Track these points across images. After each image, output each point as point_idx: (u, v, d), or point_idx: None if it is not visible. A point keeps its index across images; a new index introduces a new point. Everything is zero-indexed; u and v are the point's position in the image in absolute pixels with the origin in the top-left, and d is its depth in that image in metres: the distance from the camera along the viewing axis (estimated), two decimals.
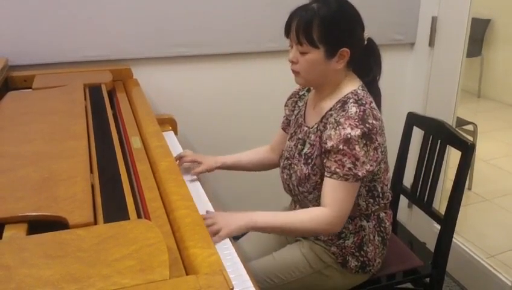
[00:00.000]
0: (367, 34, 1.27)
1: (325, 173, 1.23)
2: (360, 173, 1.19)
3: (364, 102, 1.22)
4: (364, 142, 1.17)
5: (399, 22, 2.26)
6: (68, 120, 1.31)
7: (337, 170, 1.20)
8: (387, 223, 1.41)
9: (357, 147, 1.17)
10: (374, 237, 1.37)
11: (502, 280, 1.93)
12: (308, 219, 1.23)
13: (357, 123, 1.17)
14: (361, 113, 1.19)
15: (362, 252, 1.36)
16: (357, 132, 1.17)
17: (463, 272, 2.13)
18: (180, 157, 1.49)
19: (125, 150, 1.31)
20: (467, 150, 1.45)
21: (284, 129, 1.53)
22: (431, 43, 2.21)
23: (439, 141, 1.58)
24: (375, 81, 1.32)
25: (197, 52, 2.01)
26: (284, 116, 1.52)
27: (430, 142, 1.62)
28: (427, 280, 1.57)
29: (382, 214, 1.39)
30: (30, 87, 1.63)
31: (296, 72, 1.26)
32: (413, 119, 1.72)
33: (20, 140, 1.18)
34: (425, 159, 1.64)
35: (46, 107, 1.42)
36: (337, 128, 1.19)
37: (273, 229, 1.24)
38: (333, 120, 1.22)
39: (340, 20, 1.20)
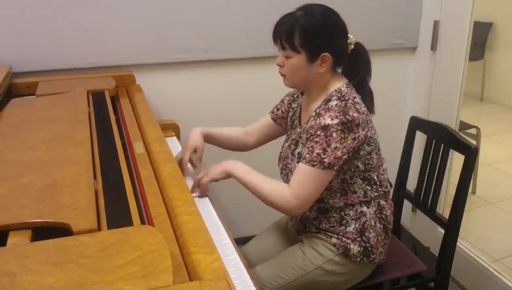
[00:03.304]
0: (354, 38, 1.34)
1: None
2: (326, 160, 1.23)
3: (347, 97, 1.28)
4: (343, 129, 1.22)
5: (401, 26, 2.26)
6: (71, 126, 1.32)
7: (307, 155, 1.25)
8: (388, 212, 1.43)
9: (334, 134, 1.22)
10: (375, 223, 1.38)
11: (506, 284, 1.92)
12: (272, 189, 1.30)
13: (337, 114, 1.23)
14: (342, 105, 1.25)
15: (364, 238, 1.37)
16: (336, 121, 1.22)
17: (467, 277, 2.12)
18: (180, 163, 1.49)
19: (128, 156, 1.31)
20: (470, 154, 1.45)
21: (273, 119, 1.56)
22: (433, 47, 2.21)
23: (442, 145, 1.58)
24: (364, 82, 1.37)
25: (199, 58, 2.02)
26: (279, 109, 1.55)
27: (433, 146, 1.62)
28: (432, 284, 1.56)
29: (382, 202, 1.41)
30: (33, 94, 1.64)
31: (282, 75, 1.35)
32: (416, 124, 1.72)
33: (23, 147, 1.18)
34: (429, 163, 1.63)
35: (50, 113, 1.43)
36: (318, 119, 1.25)
37: (243, 182, 1.34)
38: (314, 113, 1.30)
39: (320, 28, 1.26)
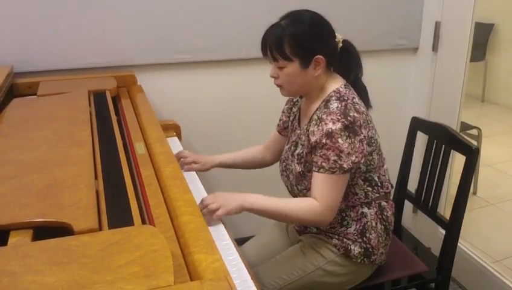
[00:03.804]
0: (341, 36, 1.33)
1: (313, 168, 1.27)
2: (345, 165, 1.22)
3: (346, 98, 1.27)
4: (347, 134, 1.22)
5: (402, 27, 2.26)
6: (73, 127, 1.32)
7: (323, 164, 1.24)
8: (389, 213, 1.43)
9: (340, 140, 1.21)
10: (376, 224, 1.38)
11: (507, 285, 1.92)
12: (299, 208, 1.26)
13: (339, 117, 1.22)
14: (342, 107, 1.24)
15: (365, 239, 1.37)
16: (338, 125, 1.21)
17: (468, 277, 2.12)
18: (180, 158, 1.53)
19: (130, 156, 1.32)
20: (471, 155, 1.45)
21: (279, 132, 1.57)
22: (434, 48, 2.21)
23: (443, 146, 1.58)
24: (358, 78, 1.37)
25: (199, 58, 2.02)
26: (280, 120, 1.56)
27: (434, 147, 1.62)
28: (432, 285, 1.56)
29: (383, 203, 1.41)
30: (35, 94, 1.64)
31: (279, 86, 1.34)
32: (417, 124, 1.72)
33: (24, 147, 1.18)
34: (430, 164, 1.63)
35: (51, 113, 1.43)
36: (320, 124, 1.25)
37: (265, 213, 1.27)
38: (316, 117, 1.29)
39: (309, 32, 1.26)
